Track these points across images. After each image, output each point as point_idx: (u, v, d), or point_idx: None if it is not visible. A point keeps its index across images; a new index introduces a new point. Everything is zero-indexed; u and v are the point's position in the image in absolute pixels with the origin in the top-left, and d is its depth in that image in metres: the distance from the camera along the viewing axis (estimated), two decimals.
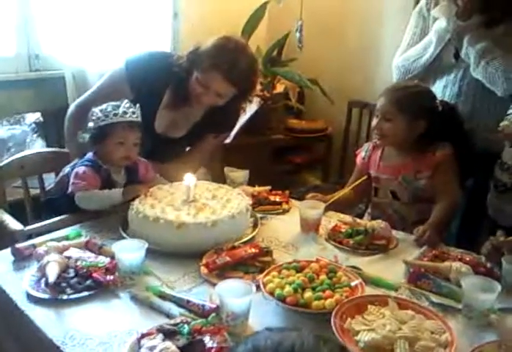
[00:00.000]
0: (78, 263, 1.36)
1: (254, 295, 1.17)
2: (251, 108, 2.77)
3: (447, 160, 1.80)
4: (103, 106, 1.68)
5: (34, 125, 2.77)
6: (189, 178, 1.61)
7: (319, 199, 1.77)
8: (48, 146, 2.70)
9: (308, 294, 1.22)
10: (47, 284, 1.29)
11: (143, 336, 1.09)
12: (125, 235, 1.56)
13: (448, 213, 1.74)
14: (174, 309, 1.23)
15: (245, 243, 1.52)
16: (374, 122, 1.86)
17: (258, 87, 2.92)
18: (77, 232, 1.60)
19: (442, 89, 2.01)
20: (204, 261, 1.41)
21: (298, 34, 3.07)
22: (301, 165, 3.46)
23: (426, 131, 1.80)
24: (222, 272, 1.38)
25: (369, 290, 1.31)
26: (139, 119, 1.71)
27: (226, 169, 2.02)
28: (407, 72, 2.06)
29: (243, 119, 2.75)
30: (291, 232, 1.67)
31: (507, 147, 1.74)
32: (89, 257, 1.39)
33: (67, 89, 2.69)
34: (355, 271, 1.37)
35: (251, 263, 1.42)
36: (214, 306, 1.20)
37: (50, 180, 2.07)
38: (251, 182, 2.00)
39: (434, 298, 1.30)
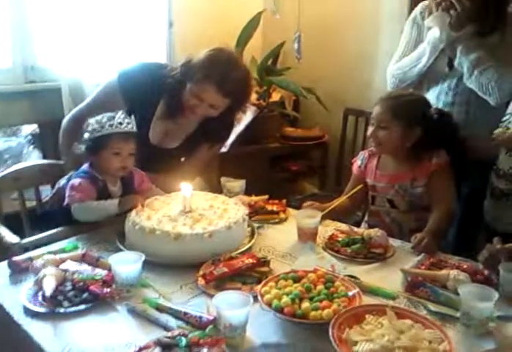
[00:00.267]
0: (75, 276, 1.35)
1: (252, 306, 1.17)
2: (247, 117, 2.79)
3: (443, 168, 1.80)
4: (99, 117, 1.69)
5: (30, 137, 2.78)
6: (186, 188, 1.61)
7: (316, 208, 1.78)
8: (44, 157, 2.70)
9: (305, 304, 1.21)
10: (44, 297, 1.28)
11: (140, 349, 1.09)
12: (121, 246, 1.55)
13: (445, 220, 1.74)
14: (172, 322, 1.22)
15: (242, 253, 1.52)
16: (370, 130, 1.87)
17: (254, 96, 2.96)
18: (74, 245, 1.60)
19: (436, 97, 2.02)
20: (201, 272, 1.41)
21: (296, 45, 3.09)
22: (298, 173, 3.46)
23: (421, 139, 1.81)
24: (220, 283, 1.38)
25: (367, 299, 1.30)
26: (135, 129, 1.72)
27: (222, 178, 2.02)
28: (401, 81, 2.07)
29: (239, 128, 2.76)
30: (288, 242, 1.67)
31: (502, 154, 1.75)
32: (85, 270, 1.39)
33: (63, 100, 2.68)
34: (352, 281, 1.36)
35: (249, 274, 1.42)
36: (211, 317, 1.19)
37: (46, 191, 2.06)
38: (248, 191, 2.00)
39: (432, 307, 1.30)
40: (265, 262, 1.46)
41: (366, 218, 2.04)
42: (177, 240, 1.47)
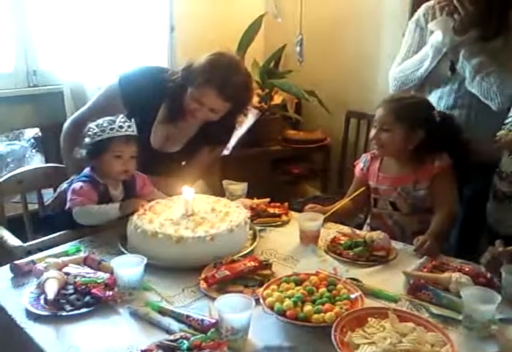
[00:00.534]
0: (77, 279, 1.35)
1: (254, 309, 1.17)
2: (249, 120, 2.79)
3: (446, 171, 1.80)
4: (99, 121, 1.69)
5: (32, 141, 2.79)
6: (188, 191, 1.61)
7: (318, 211, 1.78)
8: (46, 161, 2.71)
9: (308, 307, 1.21)
10: (46, 300, 1.29)
11: None
12: (123, 249, 1.56)
13: (447, 223, 1.74)
14: (174, 325, 1.22)
15: (244, 256, 1.52)
16: (372, 132, 1.86)
17: (256, 99, 2.96)
18: (76, 248, 1.60)
19: (437, 100, 2.02)
20: (203, 275, 1.41)
21: (298, 49, 3.10)
22: (300, 175, 3.46)
23: (424, 141, 1.80)
24: (222, 286, 1.38)
25: (369, 302, 1.30)
26: (135, 133, 1.72)
27: (224, 181, 2.02)
28: (403, 84, 2.07)
29: (241, 131, 2.77)
30: (290, 245, 1.67)
31: (505, 157, 1.75)
32: (87, 273, 1.39)
33: (66, 104, 2.70)
34: (355, 283, 1.36)
35: (251, 277, 1.42)
36: (213, 321, 1.19)
37: (48, 195, 2.07)
38: (250, 194, 2.00)
39: (434, 310, 1.29)
40: (267, 265, 1.46)
41: (368, 220, 2.03)
42: (179, 243, 1.47)
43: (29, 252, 1.68)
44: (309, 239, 1.65)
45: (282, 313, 1.20)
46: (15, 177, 2.00)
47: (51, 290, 1.29)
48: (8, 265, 1.47)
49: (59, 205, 1.78)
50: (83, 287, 1.33)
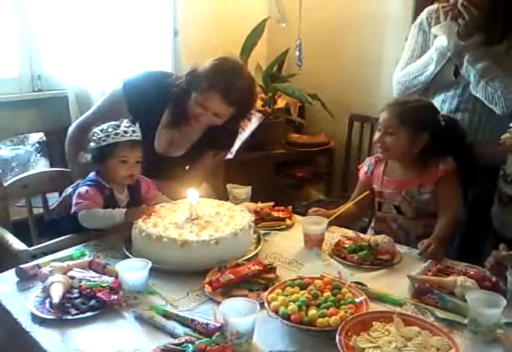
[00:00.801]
0: (82, 283, 1.36)
1: (259, 313, 1.17)
2: (252, 124, 2.79)
3: (450, 175, 1.80)
4: (104, 126, 1.70)
5: (37, 145, 2.80)
6: (192, 194, 1.62)
7: (322, 214, 1.78)
8: (51, 165, 2.72)
9: (312, 311, 1.21)
10: (51, 304, 1.29)
11: None
12: (128, 253, 1.56)
13: (452, 226, 1.73)
14: (179, 329, 1.22)
15: (248, 260, 1.52)
16: (376, 135, 1.86)
17: (259, 103, 2.97)
18: (81, 252, 1.61)
19: (441, 103, 2.02)
20: (207, 279, 1.41)
21: (297, 53, 3.11)
22: (304, 179, 3.46)
23: (429, 145, 1.80)
24: (226, 290, 1.38)
25: (374, 306, 1.30)
26: (140, 137, 1.73)
27: (228, 185, 2.03)
28: (407, 88, 2.07)
29: (244, 134, 2.77)
30: (295, 248, 1.67)
31: (510, 160, 1.74)
32: (92, 277, 1.40)
33: (70, 108, 2.71)
34: (359, 287, 1.36)
35: (255, 280, 1.42)
36: (218, 324, 1.19)
37: (53, 199, 2.08)
38: (254, 198, 2.00)
39: (439, 313, 1.29)
40: (271, 269, 1.46)
41: (372, 224, 2.03)
42: (183, 247, 1.48)
43: (34, 256, 1.68)
44: (314, 243, 1.65)
45: (286, 317, 1.20)
46: (20, 182, 2.01)
47: (56, 293, 1.29)
48: (13, 269, 1.47)
49: (64, 209, 1.79)
50: (89, 290, 1.33)
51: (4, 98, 2.61)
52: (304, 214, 1.87)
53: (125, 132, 1.68)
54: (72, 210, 1.67)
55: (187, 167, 2.11)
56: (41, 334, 1.22)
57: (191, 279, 1.45)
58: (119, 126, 1.69)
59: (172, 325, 1.24)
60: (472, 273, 1.42)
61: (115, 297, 1.31)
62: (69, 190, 1.83)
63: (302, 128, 3.58)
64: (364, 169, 2.00)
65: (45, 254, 1.63)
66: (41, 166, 2.85)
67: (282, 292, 1.30)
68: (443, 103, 2.02)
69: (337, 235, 1.76)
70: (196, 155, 2.05)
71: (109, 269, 1.45)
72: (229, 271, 1.41)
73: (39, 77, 2.73)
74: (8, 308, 1.33)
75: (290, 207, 1.95)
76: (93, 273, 1.43)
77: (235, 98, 1.81)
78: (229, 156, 2.44)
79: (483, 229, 1.90)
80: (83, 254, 1.60)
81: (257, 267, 1.44)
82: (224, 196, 2.00)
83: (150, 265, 1.37)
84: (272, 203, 1.96)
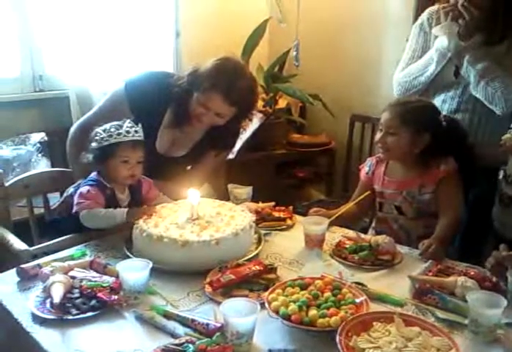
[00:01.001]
0: (83, 283, 1.36)
1: (259, 313, 1.17)
2: (253, 124, 2.80)
3: (451, 175, 1.80)
4: (106, 126, 1.70)
5: (38, 145, 2.81)
6: (193, 194, 1.62)
7: (322, 214, 1.78)
8: (52, 165, 2.72)
9: (313, 312, 1.21)
10: (52, 304, 1.29)
11: None
12: (129, 253, 1.56)
13: (453, 227, 1.73)
14: (179, 329, 1.22)
15: (249, 260, 1.52)
16: (378, 135, 1.86)
17: (260, 103, 2.97)
18: (82, 252, 1.61)
19: (441, 103, 2.02)
20: (208, 279, 1.41)
21: (294, 53, 3.11)
22: (305, 179, 3.46)
23: (430, 145, 1.80)
24: (227, 290, 1.38)
25: (374, 306, 1.30)
26: (142, 137, 1.73)
27: (229, 185, 2.03)
28: (408, 89, 2.07)
29: (245, 135, 2.77)
30: (295, 249, 1.67)
31: (511, 160, 1.74)
32: (93, 277, 1.40)
33: (71, 108, 2.71)
34: (360, 288, 1.36)
35: (256, 281, 1.42)
36: (219, 325, 1.19)
37: (54, 199, 2.08)
38: (255, 198, 2.00)
39: (440, 314, 1.29)
40: (272, 269, 1.46)
41: (373, 224, 2.03)
42: (184, 247, 1.48)
43: (35, 256, 1.69)
44: (314, 243, 1.65)
45: (287, 317, 1.20)
46: (22, 182, 2.01)
47: (57, 293, 1.29)
48: (14, 269, 1.47)
49: (65, 209, 1.79)
50: (89, 290, 1.33)
51: (6, 98, 2.61)
52: (304, 214, 1.87)
53: (128, 132, 1.69)
54: (73, 210, 1.67)
55: (189, 167, 2.12)
56: (42, 334, 1.22)
57: (192, 279, 1.45)
58: (121, 126, 1.69)
59: (172, 325, 1.24)
60: (472, 273, 1.42)
61: (116, 297, 1.32)
62: (70, 190, 1.83)
63: (303, 128, 3.59)
64: (365, 169, 1.99)
65: (46, 253, 1.64)
66: (42, 166, 2.85)
67: (283, 292, 1.30)
68: (443, 103, 2.02)
69: (337, 235, 1.76)
70: (197, 155, 2.05)
71: (110, 269, 1.45)
72: (230, 271, 1.41)
73: (40, 77, 2.73)
74: (9, 308, 1.33)
75: (290, 208, 1.95)
76: (94, 273, 1.43)
77: (236, 98, 1.81)
78: (231, 156, 2.44)
79: (483, 229, 1.90)
80: (84, 254, 1.60)
81: (257, 267, 1.44)
82: (225, 196, 2.00)
83: (150, 265, 1.37)
84: (273, 203, 1.96)
